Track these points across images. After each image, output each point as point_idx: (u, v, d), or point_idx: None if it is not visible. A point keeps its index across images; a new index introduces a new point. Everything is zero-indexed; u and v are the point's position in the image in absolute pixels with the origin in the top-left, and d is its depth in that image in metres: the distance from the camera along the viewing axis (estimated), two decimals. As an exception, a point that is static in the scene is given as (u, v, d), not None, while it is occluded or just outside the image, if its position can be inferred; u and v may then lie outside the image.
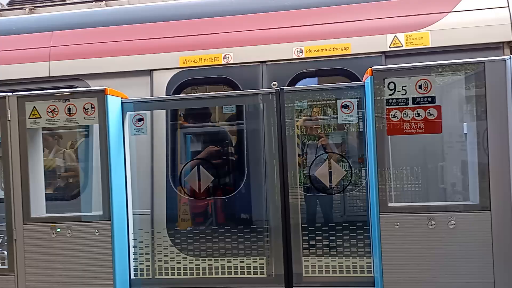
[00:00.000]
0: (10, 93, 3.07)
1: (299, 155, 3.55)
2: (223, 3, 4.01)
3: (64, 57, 3.93)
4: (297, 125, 3.27)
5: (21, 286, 3.02)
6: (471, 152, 2.77)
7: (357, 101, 3.02)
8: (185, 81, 3.76)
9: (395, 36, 3.50)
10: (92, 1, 4.52)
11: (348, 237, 3.02)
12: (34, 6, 4.61)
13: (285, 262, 3.05)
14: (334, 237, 3.03)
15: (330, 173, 3.16)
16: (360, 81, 3.25)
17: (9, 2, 4.84)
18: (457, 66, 2.67)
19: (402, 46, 3.49)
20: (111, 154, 2.96)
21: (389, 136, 2.76)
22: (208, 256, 3.19)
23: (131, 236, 3.20)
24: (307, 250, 3.05)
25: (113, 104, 3.05)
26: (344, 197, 3.47)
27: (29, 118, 3.02)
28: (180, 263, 3.20)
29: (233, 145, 3.93)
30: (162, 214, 3.57)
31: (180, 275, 3.19)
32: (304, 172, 3.42)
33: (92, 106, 2.97)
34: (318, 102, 3.52)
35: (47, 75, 3.93)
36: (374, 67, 2.75)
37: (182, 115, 4.09)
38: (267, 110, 3.14)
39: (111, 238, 2.93)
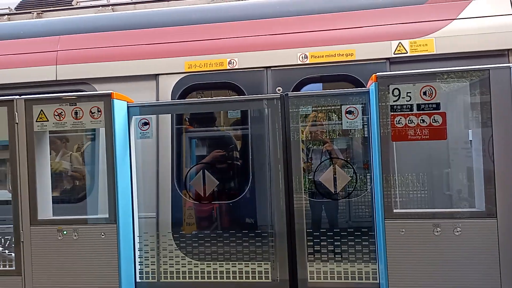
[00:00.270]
0: (18, 97, 3.10)
1: (304, 161, 3.56)
2: (228, 8, 4.04)
3: (71, 61, 3.96)
4: (301, 130, 3.28)
5: (28, 287, 3.04)
6: (477, 158, 2.76)
7: (362, 107, 3.03)
8: (191, 86, 3.78)
9: (400, 42, 3.51)
10: (99, 6, 4.57)
11: (353, 243, 3.02)
12: (42, 11, 4.66)
13: (290, 267, 3.05)
14: (339, 243, 3.03)
15: (335, 178, 3.17)
16: (365, 87, 3.27)
17: (17, 6, 4.89)
18: (462, 73, 2.68)
19: (407, 53, 3.50)
20: (117, 158, 2.98)
21: (394, 142, 2.77)
22: (213, 260, 3.19)
23: (137, 239, 3.22)
24: (312, 256, 3.05)
25: (119, 108, 3.08)
26: (349, 203, 3.47)
27: (36, 121, 3.05)
28: (185, 266, 3.21)
29: (238, 150, 3.94)
30: (167, 218, 3.58)
31: (185, 279, 3.19)
32: (309, 177, 3.43)
33: (99, 110, 2.99)
34: (322, 108, 3.53)
35: (54, 79, 3.96)
36: (378, 73, 2.76)
37: (187, 119, 4.11)
38: (271, 115, 3.16)
39: (117, 241, 2.95)
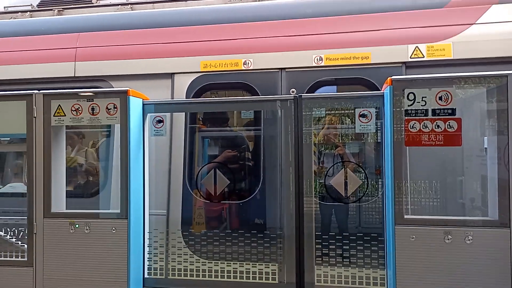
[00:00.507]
0: (37, 91, 3.17)
1: (316, 164, 3.54)
2: (244, 9, 4.06)
3: (90, 58, 4.03)
4: (314, 134, 3.28)
5: (38, 278, 3.10)
6: (491, 167, 2.71)
7: (376, 111, 3.01)
8: (205, 85, 3.81)
9: (417, 46, 3.47)
10: (118, 5, 4.64)
11: (362, 248, 2.99)
12: (63, 8, 4.75)
13: (297, 269, 3.04)
14: (347, 247, 3.01)
15: (346, 182, 3.15)
16: (380, 91, 3.24)
17: (39, 3, 5.00)
18: (479, 79, 2.63)
19: (424, 57, 3.46)
20: (131, 154, 3.02)
21: (407, 147, 2.74)
22: (220, 260, 3.21)
23: (147, 236, 3.25)
24: (320, 259, 3.04)
25: (135, 105, 3.12)
26: (359, 208, 3.44)
27: (54, 116, 3.11)
28: (193, 264, 3.23)
29: (250, 151, 3.95)
30: (178, 216, 3.61)
31: (193, 277, 3.21)
32: (320, 181, 3.41)
33: (115, 106, 3.04)
34: (336, 112, 3.51)
35: (73, 75, 4.03)
36: (393, 77, 2.73)
37: (201, 119, 4.14)
38: (285, 117, 3.16)
39: (127, 236, 2.98)
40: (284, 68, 3.68)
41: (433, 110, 2.67)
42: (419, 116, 2.69)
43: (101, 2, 4.78)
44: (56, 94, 3.14)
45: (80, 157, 4.24)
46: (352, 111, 3.12)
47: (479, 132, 3.06)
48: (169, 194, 3.64)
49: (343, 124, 3.60)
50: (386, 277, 2.93)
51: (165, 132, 3.35)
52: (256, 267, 3.14)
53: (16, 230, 3.34)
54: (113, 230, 3.01)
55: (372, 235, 3.01)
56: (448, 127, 2.66)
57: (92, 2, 4.79)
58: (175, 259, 3.26)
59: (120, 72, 3.93)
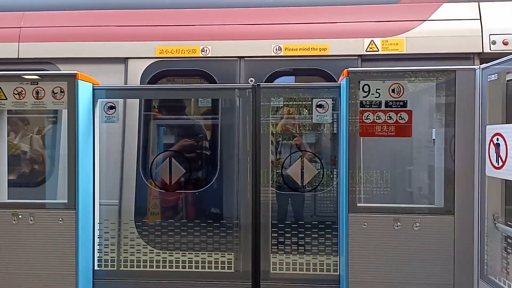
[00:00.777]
0: None
1: (273, 154, 3.56)
2: None
3: (35, 39, 3.79)
4: (272, 124, 3.28)
5: None
6: (439, 157, 2.85)
7: (333, 103, 3.06)
8: (161, 72, 3.70)
9: (372, 40, 3.56)
10: (68, -17, 4.38)
11: (316, 236, 3.06)
12: (6, -16, 4.42)
13: (253, 258, 3.06)
14: (303, 235, 3.07)
15: (302, 172, 3.19)
16: (336, 82, 3.30)
17: (-22, -23, 4.61)
18: (430, 73, 2.74)
19: (378, 51, 3.56)
20: (79, 141, 2.88)
21: (361, 138, 2.81)
22: (176, 250, 3.16)
23: (97, 227, 3.13)
24: (276, 247, 3.07)
25: (84, 90, 2.97)
26: (315, 197, 3.51)
27: None
28: (146, 255, 3.16)
29: (207, 140, 3.90)
30: (131, 206, 3.50)
31: (146, 268, 3.14)
32: (278, 171, 3.44)
33: (62, 90, 2.88)
34: (294, 102, 3.54)
35: (16, 57, 3.77)
36: (350, 69, 2.79)
37: (156, 106, 4.02)
38: (243, 106, 3.14)
39: (76, 227, 2.86)
40: (243, 57, 3.65)
41: (386, 102, 2.76)
42: (373, 107, 2.77)
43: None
44: None
45: (24, 144, 3.99)
46: (309, 102, 3.15)
47: (428, 124, 3.20)
48: (122, 184, 3.52)
49: (300, 114, 3.64)
50: (339, 263, 3.02)
51: (118, 119, 3.22)
52: (212, 256, 3.13)
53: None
54: (60, 221, 2.87)
55: (326, 223, 3.08)
56: (400, 118, 2.76)
57: (39, -22, 4.49)
58: (127, 250, 3.17)
59: (69, 55, 3.73)
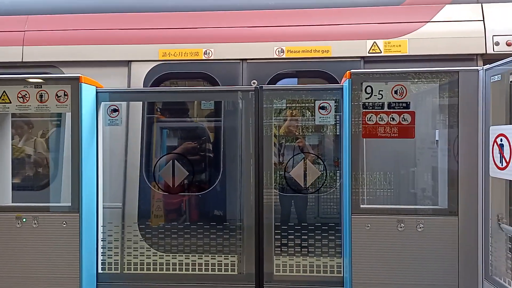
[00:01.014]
0: None
1: (276, 156, 3.56)
2: None
3: (39, 43, 3.81)
4: (275, 125, 3.28)
5: None
6: (442, 159, 2.84)
7: (335, 105, 3.06)
8: (164, 75, 3.71)
9: (374, 42, 3.56)
10: (71, -13, 4.40)
11: (320, 238, 3.05)
12: (10, -12, 4.45)
13: (256, 260, 3.05)
14: (306, 237, 3.06)
15: (305, 173, 3.19)
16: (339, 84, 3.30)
17: (-18, -18, 4.65)
18: (433, 74, 2.74)
19: (381, 52, 3.56)
20: (83, 144, 2.89)
21: (364, 139, 2.81)
22: (179, 252, 3.16)
23: (100, 230, 3.13)
24: (279, 249, 3.07)
25: (88, 93, 2.98)
26: (318, 198, 3.51)
27: None
28: (150, 258, 3.16)
29: (210, 142, 3.90)
30: (134, 209, 3.51)
31: (150, 271, 3.14)
32: (280, 172, 3.44)
33: (65, 93, 2.89)
34: (296, 104, 3.54)
35: (20, 60, 3.80)
36: (352, 70, 2.79)
37: (159, 109, 4.03)
38: (245, 108, 3.14)
39: (79, 231, 2.87)
40: (246, 59, 3.66)
41: (389, 104, 2.76)
42: (376, 109, 2.76)
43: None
44: (1, 79, 2.94)
45: (28, 148, 4.01)
46: (312, 104, 3.15)
47: (431, 126, 3.20)
48: (125, 187, 3.53)
49: (303, 116, 3.64)
50: (342, 265, 3.01)
51: (121, 122, 3.23)
52: (215, 258, 3.12)
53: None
54: (64, 224, 2.88)
55: (330, 224, 3.07)
56: (403, 120, 2.75)
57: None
58: (130, 253, 3.18)
59: (73, 58, 3.75)
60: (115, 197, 3.47)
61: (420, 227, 2.71)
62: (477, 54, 3.49)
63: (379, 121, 2.76)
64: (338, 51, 3.58)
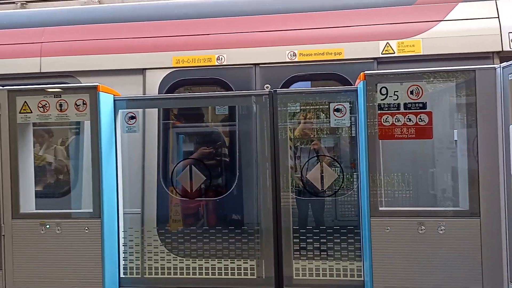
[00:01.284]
0: (1, 87, 3.03)
1: (292, 159, 3.56)
2: (218, 4, 4.02)
3: (56, 53, 3.89)
4: (290, 129, 3.28)
5: (8, 282, 2.98)
6: (461, 158, 2.80)
7: (350, 106, 3.05)
8: (178, 81, 3.75)
9: (387, 42, 3.54)
10: (85, -2, 4.50)
11: (339, 241, 3.03)
12: (26, 1, 4.56)
13: (275, 264, 3.05)
14: (325, 240, 3.05)
15: (322, 176, 3.18)
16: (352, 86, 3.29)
17: (0, -4, 4.78)
18: (449, 73, 2.71)
19: (394, 53, 3.53)
20: (103, 151, 2.94)
21: (380, 141, 2.79)
22: (198, 257, 3.17)
23: (121, 235, 3.18)
24: (298, 253, 3.06)
25: (105, 101, 3.03)
26: (335, 201, 3.49)
27: (19, 113, 2.99)
28: (170, 262, 3.18)
29: (226, 147, 3.92)
30: (153, 214, 3.54)
31: (170, 275, 3.17)
32: (296, 175, 3.43)
33: (84, 102, 2.95)
34: (311, 107, 3.54)
35: (38, 71, 3.88)
36: (366, 72, 2.78)
37: (174, 115, 4.07)
38: (260, 112, 3.15)
39: (101, 236, 2.91)
40: (258, 64, 3.67)
41: (405, 104, 2.73)
42: (392, 110, 2.74)
43: (68, -5, 4.62)
44: (21, 90, 3.02)
45: (48, 155, 4.08)
46: (326, 106, 3.15)
47: (449, 125, 3.16)
48: (144, 192, 3.56)
49: (318, 118, 3.63)
50: (362, 268, 2.98)
51: (138, 129, 3.27)
52: (234, 263, 3.13)
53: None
54: (86, 230, 2.93)
55: (348, 227, 3.05)
56: (420, 120, 2.72)
57: (59, -6, 4.63)
58: (151, 257, 3.21)
59: (89, 68, 3.82)
60: (135, 203, 3.51)
61: (442, 230, 2.67)
62: (493, 52, 3.44)
63: (395, 122, 2.74)
64: (351, 53, 3.56)
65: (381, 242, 2.72)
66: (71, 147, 4.03)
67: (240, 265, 3.13)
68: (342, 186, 3.32)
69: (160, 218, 3.55)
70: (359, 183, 2.98)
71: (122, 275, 3.17)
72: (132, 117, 3.23)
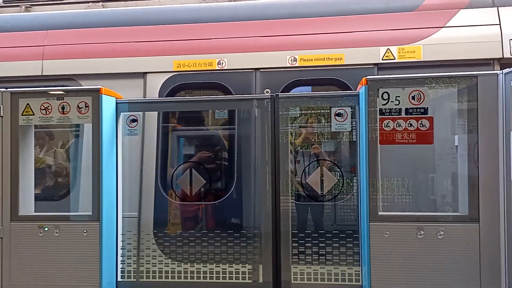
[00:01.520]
0: (4, 89, 3.03)
1: (292, 163, 3.56)
2: (219, 9, 4.04)
3: (58, 57, 3.91)
4: (291, 133, 3.29)
5: (5, 284, 2.96)
6: (462, 164, 2.80)
7: (351, 111, 3.06)
8: (179, 85, 3.76)
9: (388, 48, 3.55)
10: (89, 2, 4.52)
11: (337, 245, 3.03)
12: (30, 4, 4.59)
13: (274, 268, 3.04)
14: (323, 245, 3.04)
15: (321, 180, 3.18)
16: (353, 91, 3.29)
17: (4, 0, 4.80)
18: (451, 79, 2.72)
19: (395, 59, 3.54)
20: (103, 154, 2.94)
21: (381, 146, 2.79)
22: (197, 261, 3.16)
23: (120, 238, 3.17)
24: (296, 257, 3.05)
25: (108, 104, 3.03)
26: (335, 206, 3.49)
27: (22, 115, 2.99)
28: (168, 266, 3.17)
29: (225, 150, 3.93)
30: (150, 218, 3.53)
31: (168, 279, 3.16)
32: (296, 179, 3.43)
33: (86, 105, 2.95)
34: (312, 111, 3.55)
35: (40, 74, 3.89)
36: (368, 77, 2.79)
37: (175, 118, 4.08)
38: (261, 116, 3.16)
39: (99, 239, 2.90)
40: (259, 68, 3.68)
41: (406, 109, 2.74)
42: (393, 115, 2.75)
43: (71, -1, 4.65)
44: (24, 92, 3.02)
45: (48, 158, 4.09)
46: (327, 111, 3.15)
47: (450, 131, 3.16)
48: (141, 196, 3.56)
49: (319, 123, 3.64)
50: (361, 273, 2.97)
51: (139, 132, 3.28)
52: (232, 267, 3.12)
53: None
54: (85, 232, 2.92)
55: (347, 232, 3.05)
56: (421, 125, 2.73)
57: (62, -1, 4.66)
58: (149, 261, 3.20)
59: (90, 71, 3.83)
60: (133, 206, 3.50)
61: (441, 235, 2.67)
62: (493, 59, 3.45)
63: (396, 127, 2.74)
64: (351, 59, 3.58)
65: (380, 247, 2.71)
66: (71, 150, 4.03)
67: (238, 269, 3.11)
68: (342, 190, 3.32)
69: (157, 222, 3.53)
70: (359, 188, 2.98)
71: (119, 279, 3.15)
72: (134, 120, 3.23)
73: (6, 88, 3.08)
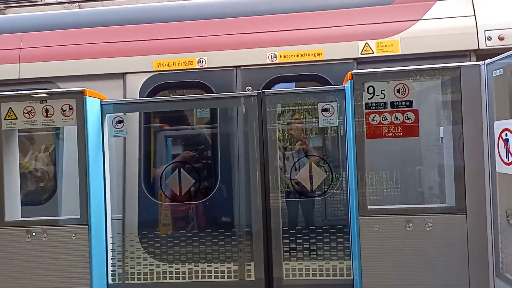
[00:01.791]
0: None
1: (281, 160, 3.56)
2: (197, 7, 3.99)
3: (35, 59, 3.80)
4: (278, 129, 3.28)
5: None
6: (448, 155, 2.85)
7: (338, 106, 3.07)
8: (159, 85, 3.71)
9: (366, 43, 3.56)
10: (65, 3, 4.41)
11: (328, 240, 3.04)
12: (5, 7, 4.44)
13: (265, 265, 3.03)
14: (314, 240, 3.05)
15: (310, 176, 3.19)
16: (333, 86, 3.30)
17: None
18: (434, 71, 2.75)
19: (373, 53, 3.55)
20: (90, 156, 2.88)
21: (368, 140, 2.81)
22: (188, 261, 3.13)
23: (109, 240, 3.11)
24: (288, 254, 3.05)
25: (92, 106, 2.98)
26: (324, 201, 3.50)
27: (4, 119, 2.92)
28: (159, 267, 3.13)
29: (210, 149, 3.89)
30: (134, 219, 3.47)
31: (159, 280, 3.12)
32: (285, 175, 3.43)
33: (70, 107, 2.89)
34: (299, 107, 3.54)
35: (17, 78, 3.77)
36: (354, 71, 2.80)
37: (157, 118, 4.02)
38: (248, 113, 3.14)
39: (89, 242, 2.85)
40: (239, 66, 3.66)
41: (392, 103, 2.77)
42: (379, 108, 2.78)
43: (47, 0, 4.51)
44: (6, 96, 2.95)
45: (34, 162, 3.97)
46: (313, 106, 3.15)
47: (435, 123, 3.21)
48: (124, 197, 3.49)
49: (305, 118, 3.64)
50: (352, 267, 3.00)
51: (126, 133, 3.21)
52: (224, 266, 3.10)
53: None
54: (73, 236, 2.86)
55: (337, 227, 3.06)
56: (406, 118, 2.76)
57: (38, 0, 4.51)
58: (140, 263, 3.16)
59: (68, 73, 3.74)
60: (120, 208, 3.44)
61: (429, 226, 2.71)
62: (470, 50, 3.47)
63: (382, 121, 2.77)
64: (331, 54, 3.57)
65: (369, 240, 2.74)
66: (53, 153, 3.92)
67: (230, 267, 3.10)
68: (331, 185, 3.34)
69: (141, 223, 3.47)
70: (348, 182, 3.00)
71: (110, 281, 3.10)
72: (120, 121, 3.17)
73: None
